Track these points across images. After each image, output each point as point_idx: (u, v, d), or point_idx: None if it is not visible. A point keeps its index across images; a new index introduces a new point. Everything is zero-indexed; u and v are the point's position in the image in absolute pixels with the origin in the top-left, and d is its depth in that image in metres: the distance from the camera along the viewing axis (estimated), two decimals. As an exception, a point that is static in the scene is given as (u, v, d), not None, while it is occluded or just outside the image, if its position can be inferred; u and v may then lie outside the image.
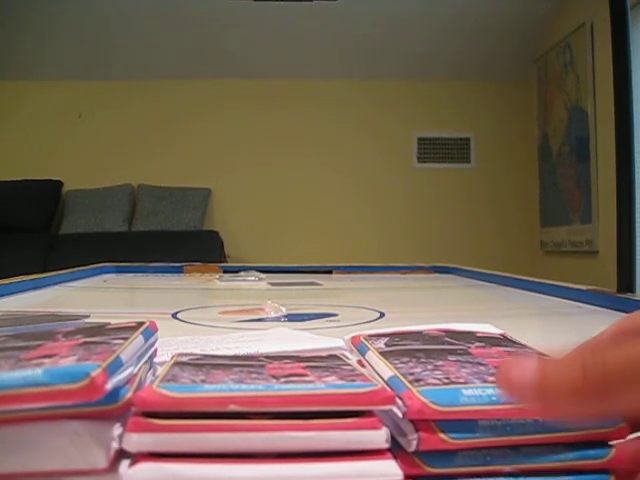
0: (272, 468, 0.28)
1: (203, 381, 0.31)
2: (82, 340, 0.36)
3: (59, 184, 4.83)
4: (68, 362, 0.30)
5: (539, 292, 1.53)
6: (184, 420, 0.29)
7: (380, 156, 4.98)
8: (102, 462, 0.29)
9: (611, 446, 0.32)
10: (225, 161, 4.94)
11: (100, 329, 0.39)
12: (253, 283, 1.92)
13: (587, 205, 4.01)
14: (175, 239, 4.46)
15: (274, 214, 4.92)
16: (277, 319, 1.05)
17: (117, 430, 0.30)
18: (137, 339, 0.37)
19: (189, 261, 2.51)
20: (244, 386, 0.30)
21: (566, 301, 1.36)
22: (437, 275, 2.32)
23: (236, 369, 0.34)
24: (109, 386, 0.29)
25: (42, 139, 4.86)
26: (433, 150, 5.07)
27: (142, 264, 2.43)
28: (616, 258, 1.43)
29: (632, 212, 1.41)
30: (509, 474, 0.30)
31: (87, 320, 0.99)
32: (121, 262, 2.39)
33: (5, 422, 0.29)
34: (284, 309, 1.10)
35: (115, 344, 0.34)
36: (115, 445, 0.30)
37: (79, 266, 2.10)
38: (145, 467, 0.28)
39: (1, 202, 4.59)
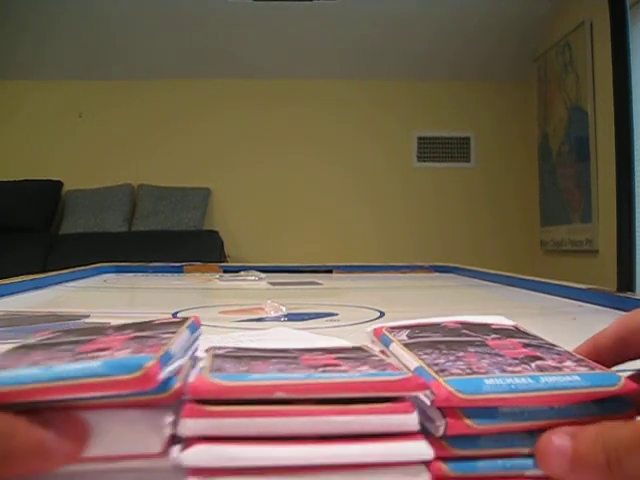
0: (314, 449, 0.31)
1: (247, 371, 0.34)
2: (133, 335, 0.39)
3: (59, 184, 4.83)
4: (123, 355, 0.33)
5: (539, 291, 1.53)
6: (234, 406, 0.31)
7: (380, 156, 4.98)
8: (156, 447, 0.31)
9: None
10: (225, 161, 4.94)
11: (148, 324, 0.42)
12: (253, 283, 1.92)
13: (587, 204, 4.01)
14: (175, 239, 4.46)
15: (274, 214, 4.92)
16: (277, 319, 1.05)
17: (169, 417, 0.32)
18: (184, 333, 0.39)
19: (189, 261, 2.52)
20: (288, 375, 0.33)
21: (566, 300, 1.36)
22: (437, 274, 2.32)
23: (273, 360, 0.36)
24: (162, 376, 0.32)
25: (42, 139, 4.86)
26: (433, 149, 5.07)
27: (142, 264, 2.43)
28: (616, 257, 1.43)
29: (632, 211, 1.41)
30: (527, 456, 0.33)
31: (87, 320, 0.99)
32: (121, 262, 2.39)
33: (74, 408, 0.31)
34: (284, 309, 1.11)
35: (164, 338, 0.37)
36: (168, 431, 0.32)
37: (79, 266, 2.10)
38: (199, 449, 0.30)
39: (1, 202, 4.59)
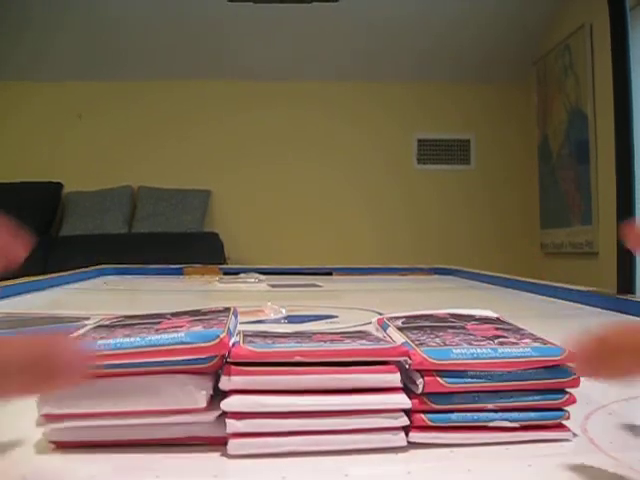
0: (323, 399, 0.40)
1: (273, 343, 0.43)
2: (191, 318, 0.48)
3: (59, 186, 4.83)
4: (199, 329, 0.43)
5: (539, 294, 1.53)
6: (263, 367, 0.41)
7: (380, 158, 4.98)
8: (202, 403, 0.40)
9: (566, 392, 0.44)
10: (225, 163, 4.94)
11: (197, 312, 0.52)
12: (253, 285, 1.92)
13: (587, 207, 4.01)
14: (175, 241, 4.46)
15: (274, 216, 4.91)
16: (277, 321, 1.05)
17: (211, 381, 0.42)
18: (233, 318, 0.50)
19: (189, 263, 2.52)
20: (304, 344, 0.43)
21: (566, 303, 1.36)
22: (437, 276, 2.32)
23: (291, 338, 0.46)
24: (230, 344, 0.42)
25: (42, 141, 4.86)
26: (433, 152, 5.07)
27: (142, 266, 2.43)
28: (616, 260, 1.43)
29: (632, 213, 1.41)
30: (491, 410, 0.42)
31: (87, 322, 0.99)
32: (121, 264, 2.40)
33: (135, 374, 0.40)
34: (284, 311, 1.11)
35: (222, 320, 0.47)
36: (210, 391, 0.41)
37: (79, 268, 2.10)
38: (236, 398, 0.40)
39: (1, 204, 4.58)
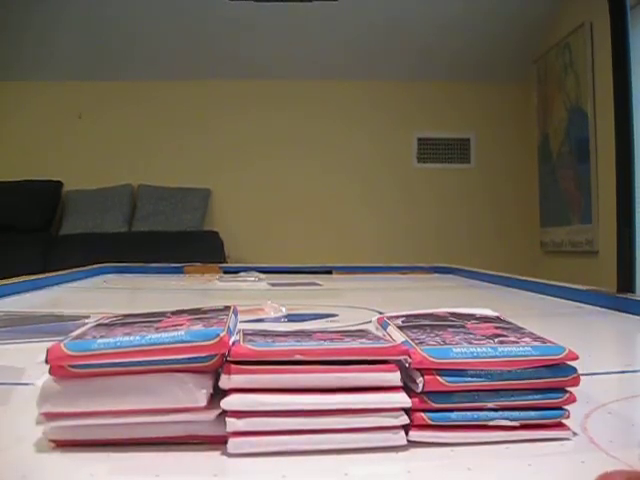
0: (322, 398, 0.40)
1: (273, 342, 0.44)
2: (191, 317, 0.49)
3: (59, 184, 4.83)
4: (199, 328, 0.43)
5: (539, 292, 1.53)
6: (263, 365, 0.41)
7: (380, 157, 4.97)
8: (202, 402, 0.40)
9: (567, 391, 0.44)
10: (225, 162, 4.94)
11: (197, 310, 0.52)
12: (253, 283, 1.92)
13: (587, 205, 4.01)
14: (175, 239, 4.46)
15: (274, 214, 4.91)
16: (277, 320, 1.05)
17: (211, 380, 0.42)
18: (233, 317, 0.50)
19: (189, 261, 2.52)
20: (304, 343, 0.43)
21: (566, 301, 1.36)
22: (437, 275, 2.32)
23: (291, 336, 0.47)
24: (230, 343, 0.42)
25: (42, 139, 4.86)
26: (433, 150, 5.06)
27: (142, 265, 2.43)
28: (616, 258, 1.43)
29: (632, 212, 1.41)
30: (491, 409, 0.43)
31: (87, 321, 0.99)
32: (121, 262, 2.40)
33: (135, 373, 0.40)
34: (284, 309, 1.11)
35: (222, 319, 0.48)
36: (210, 390, 0.41)
37: (79, 266, 2.10)
38: (236, 397, 0.40)
39: (1, 202, 4.58)
